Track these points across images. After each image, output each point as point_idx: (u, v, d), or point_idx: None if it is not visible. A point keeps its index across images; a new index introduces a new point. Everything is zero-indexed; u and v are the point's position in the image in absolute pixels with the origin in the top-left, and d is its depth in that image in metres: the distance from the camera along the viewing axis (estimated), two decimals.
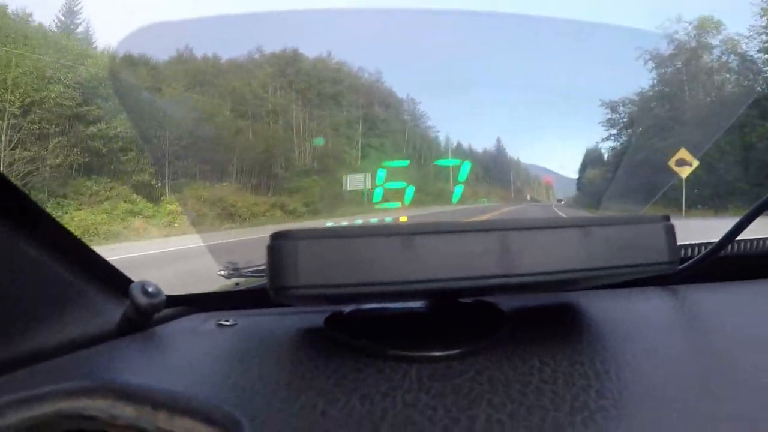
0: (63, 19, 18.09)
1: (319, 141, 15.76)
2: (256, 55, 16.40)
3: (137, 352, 0.53)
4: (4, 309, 0.48)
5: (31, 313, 0.50)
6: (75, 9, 18.10)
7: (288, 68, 16.65)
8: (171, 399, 0.37)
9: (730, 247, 0.69)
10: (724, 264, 0.71)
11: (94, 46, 17.56)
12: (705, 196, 13.56)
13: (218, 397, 0.39)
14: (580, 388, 0.37)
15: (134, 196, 13.80)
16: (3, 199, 0.49)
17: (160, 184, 14.29)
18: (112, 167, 14.36)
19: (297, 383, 0.41)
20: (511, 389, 0.38)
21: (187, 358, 0.51)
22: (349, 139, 17.05)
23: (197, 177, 13.99)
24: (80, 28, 18.32)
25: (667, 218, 0.45)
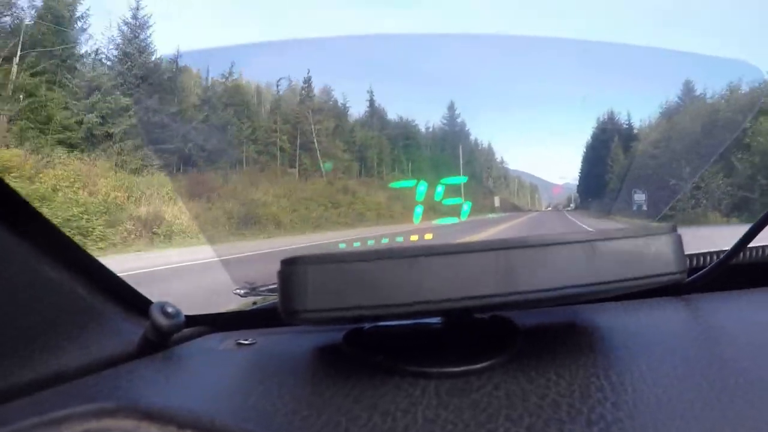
0: None
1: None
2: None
3: (158, 373, 0.54)
4: (25, 331, 0.49)
5: (51, 335, 0.51)
6: None
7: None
8: (195, 419, 0.38)
9: (741, 255, 0.69)
10: (737, 272, 0.71)
11: None
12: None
13: (240, 417, 0.40)
14: (596, 401, 0.38)
15: None
16: (20, 220, 0.50)
17: None
18: None
19: (318, 401, 0.41)
20: (528, 403, 0.38)
21: (208, 378, 0.51)
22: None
23: None
24: None
25: (674, 228, 0.46)
